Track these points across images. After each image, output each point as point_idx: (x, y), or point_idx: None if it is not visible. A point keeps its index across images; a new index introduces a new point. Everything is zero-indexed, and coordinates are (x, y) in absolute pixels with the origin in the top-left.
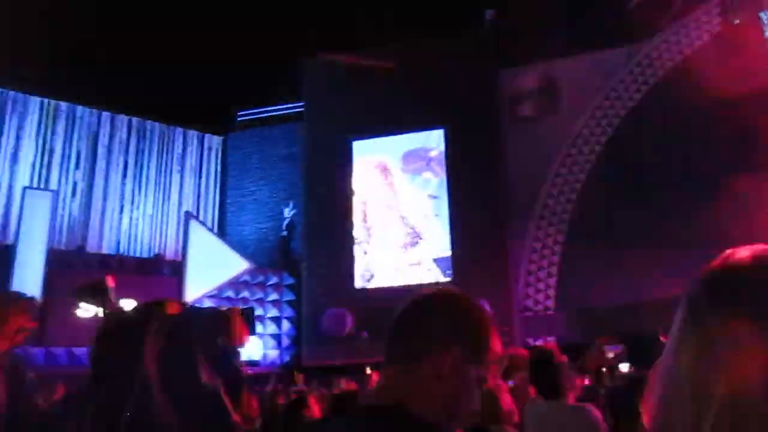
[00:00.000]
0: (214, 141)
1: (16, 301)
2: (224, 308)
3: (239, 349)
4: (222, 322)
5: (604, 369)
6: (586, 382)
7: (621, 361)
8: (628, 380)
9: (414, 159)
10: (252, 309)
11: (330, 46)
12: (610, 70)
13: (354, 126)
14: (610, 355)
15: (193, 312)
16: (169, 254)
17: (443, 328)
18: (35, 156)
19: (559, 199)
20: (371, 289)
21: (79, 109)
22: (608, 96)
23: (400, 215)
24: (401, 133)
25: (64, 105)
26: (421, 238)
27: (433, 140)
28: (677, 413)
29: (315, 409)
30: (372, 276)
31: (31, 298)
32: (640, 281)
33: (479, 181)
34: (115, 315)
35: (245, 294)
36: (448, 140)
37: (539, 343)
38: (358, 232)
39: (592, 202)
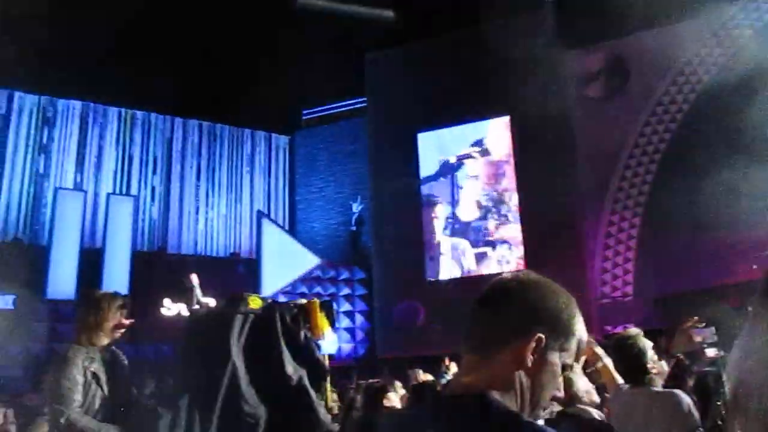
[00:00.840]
0: (282, 140)
1: (113, 300)
2: (304, 301)
3: (320, 341)
4: (303, 315)
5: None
6: (670, 367)
7: (709, 345)
8: (717, 364)
9: (479, 146)
10: (331, 301)
11: (390, 39)
12: (684, 44)
13: (418, 118)
14: (698, 338)
15: (276, 306)
16: (244, 253)
17: (524, 314)
18: (116, 163)
19: (633, 182)
20: (443, 280)
21: (153, 116)
22: (682, 71)
23: (470, 204)
24: (465, 123)
25: (139, 114)
26: (492, 229)
27: (499, 128)
28: (754, 383)
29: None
30: (440, 267)
31: (126, 297)
32: (722, 263)
33: (548, 168)
34: (200, 311)
35: (318, 289)
36: (514, 127)
37: (619, 330)
38: (427, 223)
39: (669, 183)
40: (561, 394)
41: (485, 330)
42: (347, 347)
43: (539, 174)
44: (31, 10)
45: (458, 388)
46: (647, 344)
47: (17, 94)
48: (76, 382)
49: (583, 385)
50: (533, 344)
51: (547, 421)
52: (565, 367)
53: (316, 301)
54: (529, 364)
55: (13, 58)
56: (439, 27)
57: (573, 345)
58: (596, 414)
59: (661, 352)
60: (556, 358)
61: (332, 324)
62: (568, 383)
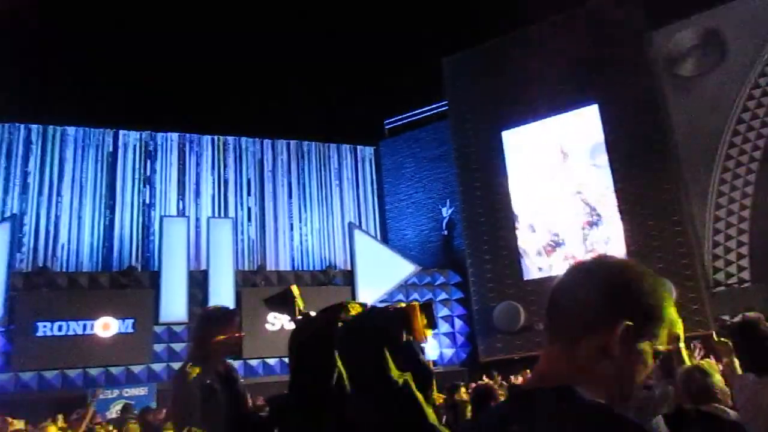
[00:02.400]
0: (367, 151)
1: (223, 314)
2: (404, 305)
3: (423, 345)
4: (404, 318)
5: None
6: None
7: None
8: None
9: (570, 140)
10: (431, 303)
11: (466, 40)
12: None
13: (501, 116)
14: None
15: (375, 310)
16: (339, 264)
17: (609, 300)
18: (213, 188)
19: (740, 160)
20: (541, 279)
21: (243, 140)
22: None
23: (572, 196)
24: (552, 115)
25: (230, 139)
26: (599, 217)
27: (589, 118)
28: None
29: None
30: (536, 266)
31: (235, 311)
32: None
33: (644, 154)
34: (303, 321)
35: (415, 296)
36: (604, 114)
37: (737, 319)
38: (521, 222)
39: None
40: (651, 381)
41: (567, 318)
42: (449, 352)
43: (635, 162)
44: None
45: (540, 381)
46: None
47: (121, 133)
48: (195, 396)
49: (719, 380)
50: (620, 332)
51: (673, 416)
52: (657, 355)
53: (416, 303)
54: (617, 354)
55: (117, 99)
56: (515, 22)
57: (664, 331)
58: (734, 415)
59: None
60: (646, 346)
61: (434, 326)
62: (703, 378)
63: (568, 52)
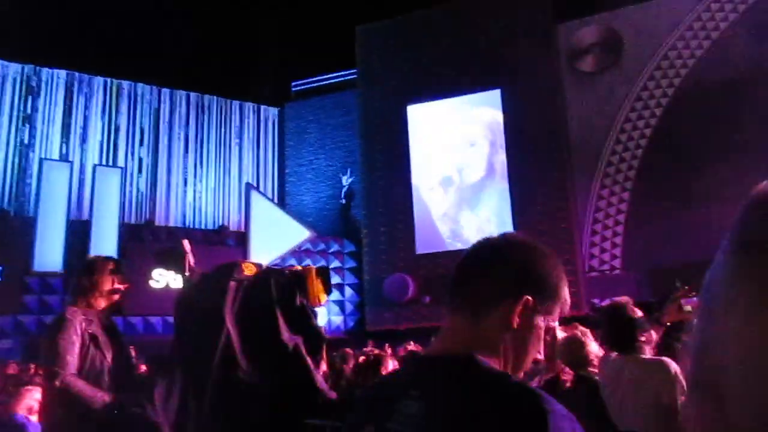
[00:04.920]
0: (271, 112)
1: (107, 262)
2: (300, 268)
3: (316, 309)
4: (299, 281)
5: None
6: (659, 336)
7: None
8: None
9: (471, 120)
10: (327, 268)
11: (381, 11)
12: (677, 17)
13: (409, 91)
14: (688, 308)
15: (271, 272)
16: (233, 225)
17: (513, 275)
18: (102, 134)
19: (623, 156)
20: (432, 254)
21: (140, 86)
22: (675, 46)
23: (459, 178)
24: (456, 96)
25: (126, 84)
26: (481, 200)
27: (491, 101)
28: (737, 356)
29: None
30: (430, 240)
31: (119, 260)
32: (713, 237)
33: (540, 141)
34: (194, 278)
35: (308, 262)
36: (505, 100)
37: (606, 302)
38: (417, 196)
39: (659, 158)
40: (541, 356)
41: (472, 291)
42: (337, 320)
43: (530, 147)
44: None
45: (443, 349)
46: (637, 313)
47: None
48: (74, 343)
49: (595, 348)
50: (521, 306)
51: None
52: (549, 330)
53: (313, 267)
54: (516, 326)
55: None
56: None
57: (557, 308)
58: None
59: (653, 322)
60: (541, 321)
61: (329, 291)
62: (579, 346)
63: (478, 34)
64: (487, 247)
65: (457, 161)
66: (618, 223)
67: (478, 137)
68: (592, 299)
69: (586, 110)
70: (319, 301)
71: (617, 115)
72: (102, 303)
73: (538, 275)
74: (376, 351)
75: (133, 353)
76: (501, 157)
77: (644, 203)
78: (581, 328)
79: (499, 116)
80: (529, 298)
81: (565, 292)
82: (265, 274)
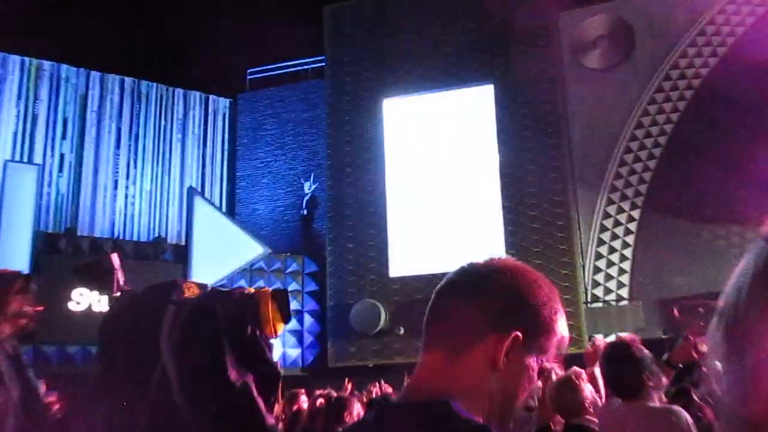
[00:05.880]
0: (221, 103)
1: (14, 280)
2: (253, 290)
3: (272, 340)
4: (252, 307)
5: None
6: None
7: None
8: None
9: (459, 121)
10: (286, 291)
11: None
12: (697, 10)
13: (385, 83)
14: (704, 348)
15: (216, 295)
16: (172, 237)
17: (500, 307)
18: (17, 124)
19: (633, 168)
20: (409, 276)
21: (65, 68)
22: (694, 42)
23: (442, 187)
24: (441, 90)
25: (47, 64)
26: (466, 215)
27: (481, 98)
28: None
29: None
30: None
31: (29, 276)
32: (734, 264)
33: (537, 149)
34: (124, 300)
35: (261, 284)
36: (499, 98)
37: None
38: (393, 209)
39: (674, 171)
40: (534, 402)
41: (452, 323)
42: (293, 353)
43: (525, 155)
44: None
45: (416, 393)
46: (645, 353)
47: None
48: None
49: (590, 392)
50: (509, 343)
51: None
52: (543, 371)
53: (268, 290)
54: (502, 367)
55: None
56: None
57: (552, 345)
58: None
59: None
60: (532, 360)
61: (287, 318)
62: (572, 390)
63: (468, 22)
64: (471, 272)
65: (440, 167)
66: (626, 246)
67: (464, 140)
68: (595, 333)
69: (591, 113)
70: (275, 330)
71: (627, 120)
72: (6, 329)
73: (529, 306)
74: (335, 393)
75: (44, 389)
76: (492, 165)
77: (657, 223)
78: (575, 368)
79: (490, 116)
80: (519, 333)
81: (562, 326)
82: (210, 297)
